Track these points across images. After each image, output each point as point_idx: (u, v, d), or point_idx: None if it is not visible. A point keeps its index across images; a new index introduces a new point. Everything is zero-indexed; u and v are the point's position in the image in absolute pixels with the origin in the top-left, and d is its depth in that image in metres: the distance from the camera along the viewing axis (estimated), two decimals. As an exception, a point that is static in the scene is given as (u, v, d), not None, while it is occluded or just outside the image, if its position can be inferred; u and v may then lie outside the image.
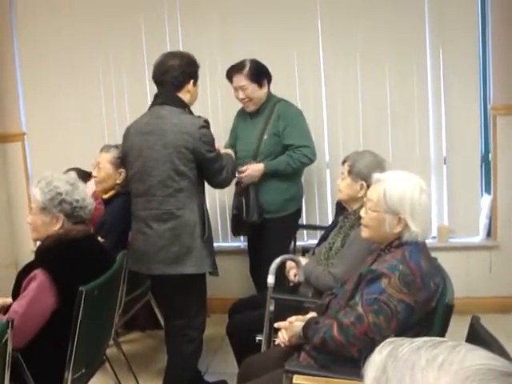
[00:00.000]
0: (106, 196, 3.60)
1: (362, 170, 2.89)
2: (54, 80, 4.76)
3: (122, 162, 3.32)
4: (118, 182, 3.57)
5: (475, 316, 1.87)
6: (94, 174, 3.55)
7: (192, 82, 3.15)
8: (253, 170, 3.67)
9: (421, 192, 2.22)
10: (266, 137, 3.75)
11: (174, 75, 3.10)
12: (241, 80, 3.73)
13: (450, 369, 0.67)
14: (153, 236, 3.06)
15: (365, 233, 2.36)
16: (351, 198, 2.96)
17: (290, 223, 3.89)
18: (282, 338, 2.47)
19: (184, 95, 3.13)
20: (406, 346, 0.72)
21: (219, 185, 3.28)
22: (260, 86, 3.75)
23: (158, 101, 3.14)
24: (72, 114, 4.75)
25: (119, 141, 3.48)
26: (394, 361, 0.71)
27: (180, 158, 2.99)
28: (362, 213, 2.36)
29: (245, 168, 3.66)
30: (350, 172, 2.94)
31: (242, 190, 3.75)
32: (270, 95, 3.83)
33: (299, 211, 3.98)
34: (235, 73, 3.74)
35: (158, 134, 3.02)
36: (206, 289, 3.26)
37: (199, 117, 3.10)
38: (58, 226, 2.65)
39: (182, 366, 3.19)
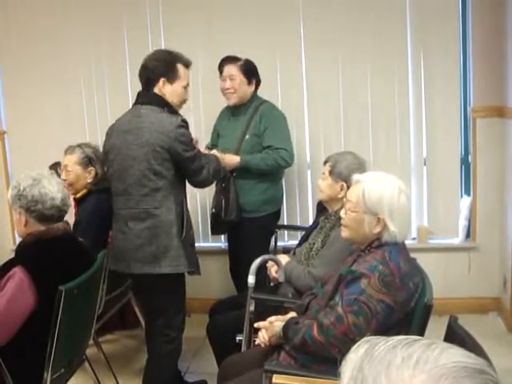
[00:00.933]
0: (78, 195, 3.57)
1: (343, 170, 2.91)
2: (35, 79, 4.72)
3: (104, 160, 3.30)
4: (89, 180, 3.54)
5: (453, 316, 1.89)
6: (62, 177, 3.50)
7: (163, 81, 3.06)
8: (229, 158, 3.68)
9: (399, 192, 2.24)
10: (247, 137, 3.76)
11: (147, 74, 3.10)
12: (232, 69, 3.78)
13: (425, 367, 0.68)
14: (131, 235, 3.05)
15: (345, 233, 2.38)
16: (332, 198, 2.98)
17: (268, 224, 3.91)
18: (262, 337, 2.48)
19: (161, 94, 3.08)
20: (382, 345, 0.73)
21: (199, 184, 3.24)
22: (249, 82, 3.79)
23: (138, 100, 3.13)
24: (53, 113, 4.72)
25: (100, 139, 3.47)
26: (370, 359, 0.72)
27: (156, 158, 2.96)
28: (342, 213, 2.38)
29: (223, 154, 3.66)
30: (331, 172, 2.96)
31: (222, 189, 3.75)
32: (255, 96, 3.86)
33: (278, 212, 3.99)
34: (229, 62, 3.80)
35: (135, 133, 3.00)
36: (184, 289, 3.24)
37: (178, 115, 3.06)
38: (23, 222, 2.63)
39: (161, 366, 3.17)
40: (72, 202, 3.43)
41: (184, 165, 3.05)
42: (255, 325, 2.55)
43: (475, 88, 4.34)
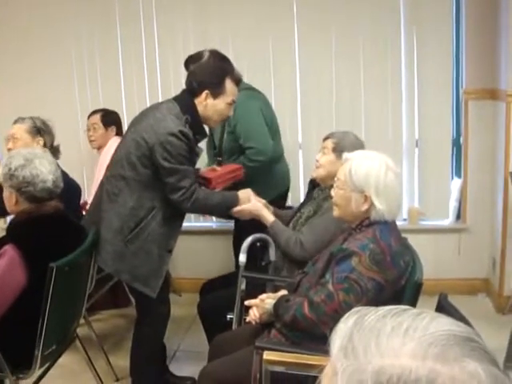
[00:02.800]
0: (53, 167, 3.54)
1: (348, 148, 2.86)
2: (26, 62, 4.66)
3: None
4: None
5: (443, 293, 1.91)
6: (8, 146, 3.46)
7: (206, 93, 2.88)
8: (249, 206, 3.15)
9: (387, 170, 2.22)
10: (225, 135, 3.64)
11: (191, 83, 2.93)
12: None
13: (414, 335, 0.69)
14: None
15: (335, 211, 2.38)
16: (330, 174, 2.87)
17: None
18: (253, 315, 2.48)
19: (198, 104, 2.91)
20: (372, 315, 0.74)
21: (175, 204, 2.90)
22: None
23: (177, 94, 3.02)
24: (44, 97, 4.66)
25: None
26: (360, 329, 0.72)
27: (137, 148, 2.84)
28: (332, 192, 2.38)
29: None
30: (334, 149, 2.90)
31: None
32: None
33: (285, 193, 3.93)
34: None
35: (139, 119, 2.96)
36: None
37: (183, 126, 2.85)
38: (13, 200, 2.62)
39: (143, 345, 3.13)
40: None
41: (160, 172, 2.85)
42: (246, 303, 2.56)
43: (467, 70, 4.34)
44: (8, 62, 4.69)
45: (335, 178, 2.37)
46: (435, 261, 4.32)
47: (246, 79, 4.20)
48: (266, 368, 2.09)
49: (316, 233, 2.80)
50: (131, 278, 2.95)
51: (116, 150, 3.04)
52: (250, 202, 3.06)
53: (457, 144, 4.52)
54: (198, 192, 2.91)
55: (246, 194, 3.08)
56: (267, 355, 2.06)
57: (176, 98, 2.96)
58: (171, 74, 4.47)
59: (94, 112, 4.29)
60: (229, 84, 2.92)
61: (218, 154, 3.68)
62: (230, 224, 3.99)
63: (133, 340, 3.16)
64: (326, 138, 3.00)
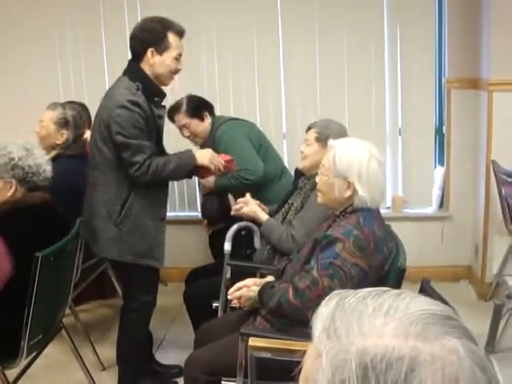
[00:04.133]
0: (47, 157, 3.53)
1: (331, 136, 2.88)
2: (10, 48, 4.62)
3: None
4: (58, 142, 3.48)
5: (425, 279, 1.93)
6: (36, 130, 3.47)
7: (151, 51, 2.84)
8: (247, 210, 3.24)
9: (370, 157, 2.24)
10: None
11: (134, 46, 2.91)
12: (181, 119, 3.73)
13: (395, 315, 0.71)
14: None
15: (319, 198, 2.40)
16: (315, 164, 2.88)
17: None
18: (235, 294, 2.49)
19: (145, 66, 2.87)
20: (352, 297, 0.75)
21: (133, 178, 2.87)
22: (201, 119, 3.74)
23: (124, 69, 3.00)
24: (27, 83, 4.62)
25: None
26: (342, 311, 0.73)
27: (99, 132, 2.86)
28: (317, 179, 2.40)
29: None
30: (317, 138, 2.92)
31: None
32: (213, 124, 3.77)
33: None
34: (174, 113, 3.73)
35: (100, 105, 2.97)
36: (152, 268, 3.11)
37: (133, 94, 2.80)
38: (11, 191, 2.61)
39: (128, 332, 3.13)
40: None
41: (117, 148, 2.83)
42: (229, 295, 2.52)
43: (450, 59, 4.38)
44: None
45: (320, 165, 2.39)
46: (419, 248, 4.36)
47: (229, 71, 4.22)
48: (252, 354, 2.11)
49: (306, 225, 2.81)
50: (135, 257, 2.98)
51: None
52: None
53: (439, 133, 4.56)
54: (154, 163, 2.84)
55: (204, 152, 3.08)
56: (252, 341, 2.09)
57: (124, 71, 2.95)
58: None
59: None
60: (172, 37, 2.87)
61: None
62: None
63: (119, 327, 3.17)
64: (308, 129, 3.02)
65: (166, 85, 2.99)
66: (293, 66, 4.47)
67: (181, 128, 3.78)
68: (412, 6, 4.31)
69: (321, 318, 0.75)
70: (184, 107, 3.72)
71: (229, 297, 2.53)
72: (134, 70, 2.90)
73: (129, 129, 2.77)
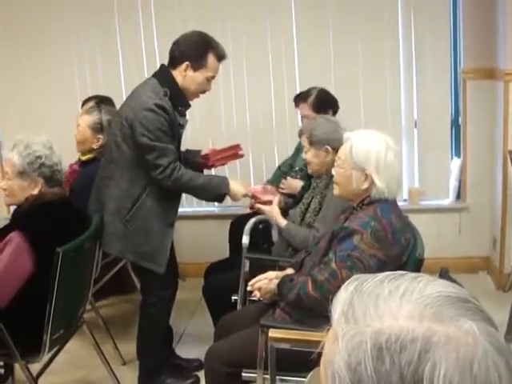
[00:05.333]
0: (83, 158, 3.58)
1: (321, 137, 2.87)
2: (25, 55, 4.65)
3: None
4: (95, 146, 3.53)
5: (444, 268, 1.94)
6: (75, 134, 3.53)
7: (186, 64, 2.85)
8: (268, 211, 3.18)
9: (387, 149, 2.24)
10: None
11: (174, 52, 2.91)
12: (305, 109, 3.63)
13: (411, 297, 0.72)
14: None
15: (336, 190, 2.40)
16: (321, 166, 2.93)
17: None
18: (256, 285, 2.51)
19: (177, 75, 2.89)
20: (370, 281, 0.76)
21: (156, 181, 2.90)
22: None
23: (156, 71, 3.01)
24: (43, 89, 4.65)
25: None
26: (360, 294, 0.75)
27: (120, 129, 2.88)
28: (333, 171, 2.40)
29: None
30: (311, 143, 2.93)
31: None
32: None
33: None
34: (301, 101, 3.65)
35: (124, 102, 3.00)
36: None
37: (160, 99, 2.83)
38: (37, 189, 2.66)
39: (148, 326, 3.16)
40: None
41: (140, 149, 2.85)
42: (250, 283, 2.55)
43: (465, 50, 4.35)
44: (7, 53, 4.66)
45: (336, 158, 2.39)
46: (436, 240, 4.35)
47: (243, 62, 4.20)
48: (272, 345, 2.12)
49: (329, 224, 2.81)
50: (136, 257, 3.01)
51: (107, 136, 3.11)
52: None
53: (455, 124, 4.53)
54: (181, 171, 2.87)
55: (237, 185, 3.07)
56: (272, 333, 2.10)
57: (155, 74, 2.96)
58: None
59: (87, 100, 4.11)
60: (211, 59, 2.88)
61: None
62: (232, 208, 4.02)
63: (139, 322, 3.20)
64: (300, 135, 3.05)
65: (189, 100, 3.00)
66: (307, 60, 4.46)
67: (302, 118, 3.72)
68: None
69: (340, 301, 0.76)
70: (311, 99, 3.62)
71: (249, 288, 2.55)
72: (165, 75, 2.91)
73: (154, 131, 2.79)
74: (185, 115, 3.02)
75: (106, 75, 4.65)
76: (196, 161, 3.25)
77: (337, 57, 4.43)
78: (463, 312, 0.70)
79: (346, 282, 0.79)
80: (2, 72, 4.71)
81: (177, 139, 2.96)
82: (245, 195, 3.09)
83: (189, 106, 3.02)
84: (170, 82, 2.88)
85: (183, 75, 2.88)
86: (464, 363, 0.67)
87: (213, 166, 3.40)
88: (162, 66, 2.98)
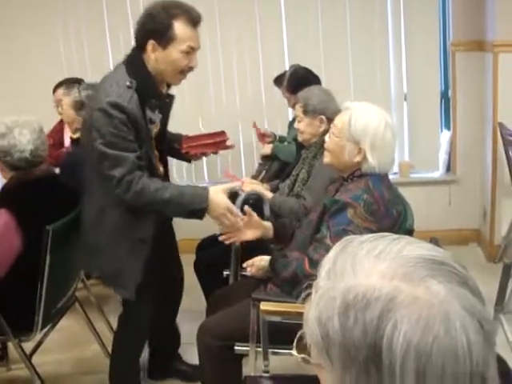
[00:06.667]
0: (74, 136, 3.55)
1: (317, 105, 2.88)
2: (14, 42, 4.61)
3: None
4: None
5: (433, 238, 1.94)
6: (59, 111, 3.48)
7: (152, 44, 2.36)
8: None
9: (385, 127, 2.22)
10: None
11: (135, 31, 2.43)
12: (284, 92, 3.64)
13: (387, 257, 0.73)
14: None
15: (326, 158, 2.37)
16: (313, 135, 2.95)
17: None
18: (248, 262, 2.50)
19: (148, 59, 2.40)
20: (355, 242, 0.77)
21: (116, 195, 2.37)
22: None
23: (126, 54, 2.51)
24: (33, 65, 4.62)
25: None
26: (342, 254, 0.76)
27: (84, 129, 2.49)
28: (327, 137, 2.37)
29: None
30: (305, 112, 2.92)
31: None
32: None
33: None
34: (278, 85, 3.70)
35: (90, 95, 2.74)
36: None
37: (118, 93, 2.32)
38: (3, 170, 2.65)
39: (119, 346, 2.78)
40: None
41: (96, 157, 2.37)
42: (244, 264, 2.53)
43: (454, 22, 4.35)
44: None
45: (332, 125, 2.36)
46: (426, 213, 4.36)
47: (233, 46, 4.14)
48: (264, 318, 2.13)
49: (316, 193, 2.80)
50: (104, 276, 2.70)
51: None
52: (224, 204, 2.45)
53: (445, 96, 4.54)
54: (141, 183, 2.34)
55: (220, 201, 2.43)
56: (264, 306, 2.10)
57: (125, 60, 2.47)
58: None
59: (58, 86, 3.89)
60: (180, 27, 2.35)
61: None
62: (223, 181, 4.00)
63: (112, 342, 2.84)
64: (293, 105, 3.03)
65: (173, 84, 2.56)
66: (296, 34, 4.45)
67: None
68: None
69: (327, 261, 0.78)
70: (285, 81, 3.58)
71: (244, 264, 2.54)
72: (133, 62, 2.42)
73: (106, 136, 2.30)
74: (160, 107, 2.52)
75: (93, 53, 4.62)
76: (176, 147, 2.81)
77: (325, 31, 4.42)
78: (435, 274, 0.70)
79: (337, 243, 0.80)
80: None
81: (145, 140, 2.43)
82: (227, 211, 2.45)
83: (163, 97, 2.54)
84: (137, 70, 2.39)
85: (153, 57, 2.38)
86: (425, 324, 0.67)
87: (189, 154, 2.84)
88: (133, 49, 2.47)
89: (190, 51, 2.39)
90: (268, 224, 2.56)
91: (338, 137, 2.28)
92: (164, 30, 2.34)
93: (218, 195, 2.43)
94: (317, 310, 0.73)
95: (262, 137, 4.02)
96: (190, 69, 2.45)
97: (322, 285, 0.75)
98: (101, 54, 4.56)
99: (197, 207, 2.42)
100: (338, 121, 2.30)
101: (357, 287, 0.71)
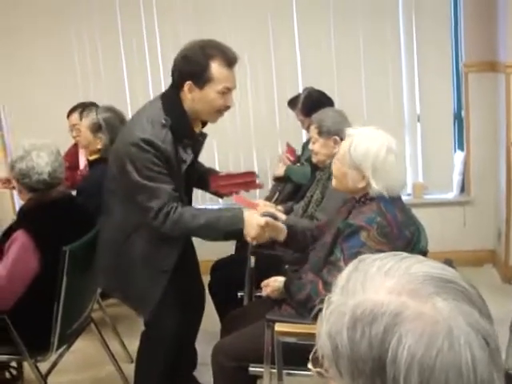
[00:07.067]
0: (90, 158, 3.58)
1: (332, 127, 2.90)
2: (28, 49, 4.66)
3: None
4: (99, 147, 3.52)
5: (447, 259, 1.94)
6: (74, 135, 3.52)
7: (189, 84, 2.40)
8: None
9: (387, 152, 2.19)
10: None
11: (172, 71, 2.48)
12: (298, 115, 3.63)
13: (395, 274, 0.75)
14: None
15: (333, 182, 2.39)
16: (328, 156, 2.94)
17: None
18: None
19: (185, 99, 2.45)
20: (368, 260, 0.80)
21: (153, 228, 2.45)
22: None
23: (165, 89, 2.59)
24: (47, 85, 4.67)
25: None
26: (355, 271, 0.79)
27: (115, 159, 2.53)
28: (333, 163, 2.39)
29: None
30: (319, 133, 2.95)
31: None
32: None
33: None
34: (293, 108, 3.66)
35: (122, 129, 2.74)
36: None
37: (152, 132, 2.38)
38: (18, 190, 2.71)
39: (143, 359, 2.82)
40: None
41: (130, 188, 2.44)
42: (262, 284, 2.53)
43: (467, 43, 4.36)
44: (9, 51, 4.66)
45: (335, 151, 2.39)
46: (441, 234, 4.35)
47: (246, 64, 4.19)
48: (278, 339, 2.14)
49: (330, 215, 2.80)
50: (123, 297, 2.78)
51: None
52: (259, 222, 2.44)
53: (458, 117, 4.55)
54: (178, 211, 2.40)
55: (256, 221, 2.44)
56: (278, 327, 2.11)
57: (163, 94, 2.54)
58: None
59: (72, 110, 4.01)
60: (216, 68, 2.39)
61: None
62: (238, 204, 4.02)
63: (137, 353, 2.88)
64: (308, 126, 3.05)
65: (210, 122, 2.61)
66: (309, 55, 4.49)
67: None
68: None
69: (341, 278, 0.80)
70: (300, 104, 3.60)
71: (261, 284, 2.52)
72: (171, 100, 2.47)
73: (142, 170, 2.37)
74: (193, 146, 2.55)
75: (109, 78, 4.67)
76: (206, 182, 2.88)
77: (339, 53, 4.45)
78: (442, 291, 0.72)
79: (352, 262, 0.82)
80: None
81: (179, 177, 2.50)
82: (262, 229, 2.45)
83: (196, 137, 2.59)
84: (173, 108, 2.44)
85: (190, 97, 2.42)
86: (429, 338, 0.69)
87: (216, 192, 2.95)
88: (170, 86, 2.52)
89: (226, 91, 2.44)
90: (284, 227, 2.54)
91: (340, 163, 2.29)
92: (201, 71, 2.39)
93: (252, 214, 2.49)
94: (328, 325, 0.75)
95: (290, 153, 3.96)
96: (227, 108, 2.49)
97: (334, 300, 0.77)
98: (115, 61, 4.63)
99: (234, 228, 2.46)
100: (341, 147, 2.32)
101: (365, 302, 0.73)
